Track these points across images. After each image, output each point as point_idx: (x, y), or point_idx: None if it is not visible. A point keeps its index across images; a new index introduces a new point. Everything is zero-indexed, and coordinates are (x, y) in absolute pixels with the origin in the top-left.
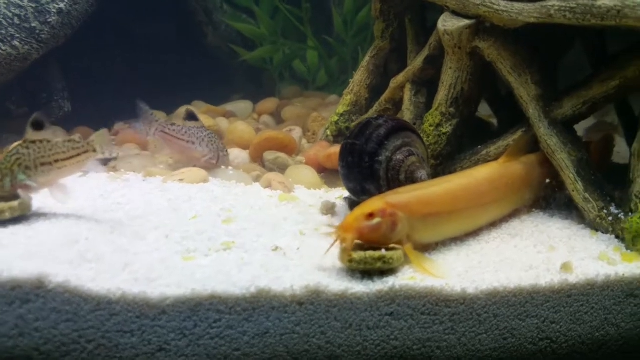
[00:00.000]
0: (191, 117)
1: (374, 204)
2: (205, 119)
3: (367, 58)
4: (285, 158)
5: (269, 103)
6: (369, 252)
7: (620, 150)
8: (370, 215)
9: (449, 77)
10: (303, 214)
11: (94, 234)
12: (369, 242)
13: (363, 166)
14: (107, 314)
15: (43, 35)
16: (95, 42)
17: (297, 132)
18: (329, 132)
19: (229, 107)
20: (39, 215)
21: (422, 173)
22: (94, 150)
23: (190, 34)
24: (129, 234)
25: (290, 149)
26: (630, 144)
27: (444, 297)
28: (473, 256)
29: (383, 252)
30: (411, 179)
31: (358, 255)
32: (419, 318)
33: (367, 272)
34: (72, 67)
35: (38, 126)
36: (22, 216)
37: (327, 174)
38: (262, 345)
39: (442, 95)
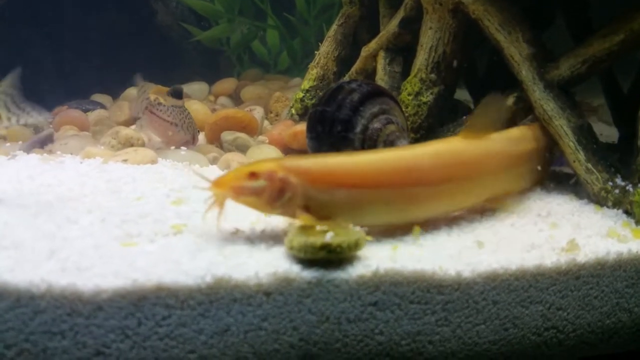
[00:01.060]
0: (176, 94)
1: (264, 164)
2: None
3: (334, 27)
4: (245, 138)
5: (227, 83)
6: (311, 239)
7: (604, 133)
8: (253, 175)
9: (429, 39)
10: None
11: (14, 218)
12: (247, 205)
13: (335, 136)
14: (30, 312)
15: None
16: (31, 19)
17: (258, 112)
18: (293, 111)
19: (184, 88)
20: None
21: (403, 143)
22: None
23: (139, 12)
24: (58, 218)
25: (250, 128)
26: (618, 124)
27: (436, 282)
28: (465, 236)
29: (327, 239)
30: None
31: (297, 241)
32: (408, 308)
33: (310, 262)
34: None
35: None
36: None
37: (293, 154)
38: (223, 346)
39: (421, 59)
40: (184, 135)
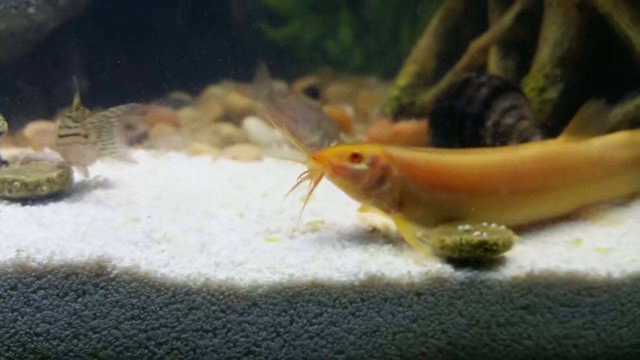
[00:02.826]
0: (312, 92)
1: (369, 147)
2: (238, 99)
3: (434, 21)
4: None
5: (308, 82)
6: (465, 236)
7: None
8: (356, 157)
9: (554, 33)
10: None
11: (156, 212)
12: (340, 187)
13: (465, 133)
14: (184, 308)
15: (61, 2)
16: (112, 19)
17: (348, 111)
18: (387, 110)
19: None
20: (81, 190)
21: (537, 140)
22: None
23: (214, 9)
24: (197, 212)
25: (347, 127)
26: None
27: (587, 283)
28: (608, 238)
29: (484, 236)
30: None
31: (451, 240)
32: (558, 311)
33: (461, 262)
34: (86, 45)
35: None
36: (62, 191)
37: None
38: (371, 347)
39: (545, 54)
40: (305, 133)
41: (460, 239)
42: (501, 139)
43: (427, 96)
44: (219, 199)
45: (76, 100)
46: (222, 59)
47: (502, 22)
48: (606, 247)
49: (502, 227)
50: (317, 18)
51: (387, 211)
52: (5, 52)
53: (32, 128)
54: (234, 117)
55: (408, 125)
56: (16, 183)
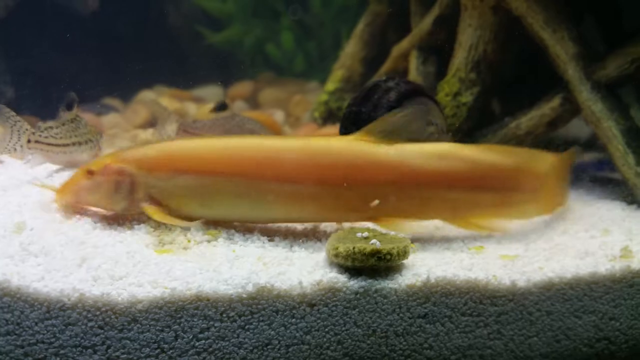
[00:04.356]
0: (221, 107)
1: (101, 160)
2: (170, 103)
3: (360, 26)
4: None
5: (243, 87)
6: (359, 245)
7: None
8: (90, 173)
9: (469, 37)
10: None
11: (39, 223)
12: (92, 206)
13: None
14: (60, 324)
15: None
16: (40, 21)
17: (278, 116)
18: (317, 114)
19: (198, 92)
20: None
21: None
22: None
23: (150, 14)
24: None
25: (273, 132)
26: None
27: (489, 292)
28: (516, 244)
29: (378, 245)
30: None
31: (344, 248)
32: (459, 320)
33: (355, 271)
34: (13, 49)
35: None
36: None
37: None
38: None
39: (460, 58)
40: None
41: (353, 248)
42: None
43: None
44: None
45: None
46: (156, 63)
47: (421, 26)
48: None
49: (402, 235)
50: (257, 22)
51: (142, 210)
52: None
53: None
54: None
55: (331, 130)
56: None
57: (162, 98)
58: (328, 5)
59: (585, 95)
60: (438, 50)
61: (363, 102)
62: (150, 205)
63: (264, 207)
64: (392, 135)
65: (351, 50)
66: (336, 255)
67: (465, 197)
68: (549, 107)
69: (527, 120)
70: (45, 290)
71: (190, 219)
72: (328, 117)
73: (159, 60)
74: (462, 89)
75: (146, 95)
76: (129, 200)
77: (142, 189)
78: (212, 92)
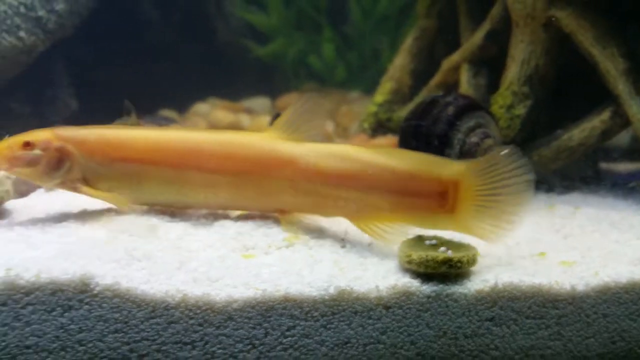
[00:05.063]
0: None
1: (39, 133)
2: (224, 115)
3: (409, 40)
4: None
5: (291, 98)
6: (431, 253)
7: None
8: (28, 145)
9: (521, 52)
10: None
11: (136, 229)
12: (24, 177)
13: (431, 151)
14: (163, 322)
15: (50, 25)
16: (100, 36)
17: (329, 127)
18: (366, 125)
19: (247, 103)
20: (66, 212)
21: None
22: None
23: (200, 29)
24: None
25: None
26: None
27: (551, 296)
28: (573, 252)
29: (450, 254)
30: None
31: (417, 255)
32: (523, 322)
33: (427, 276)
34: (76, 64)
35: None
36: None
37: None
38: (343, 358)
39: (512, 72)
40: None
41: (426, 256)
42: (466, 156)
43: (403, 112)
44: (197, 215)
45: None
46: (208, 77)
47: (472, 40)
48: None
49: (468, 243)
50: (300, 35)
51: (76, 190)
52: None
53: None
54: None
55: (383, 141)
56: None
57: (216, 110)
58: (369, 16)
59: (635, 109)
60: (489, 64)
61: (422, 116)
62: (85, 186)
63: (184, 193)
64: (295, 131)
65: (400, 63)
66: (409, 262)
67: (359, 197)
68: (599, 120)
69: (579, 132)
70: (151, 291)
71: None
72: (377, 127)
73: (210, 73)
74: (515, 102)
75: (200, 107)
76: (63, 179)
77: (79, 170)
78: (260, 104)
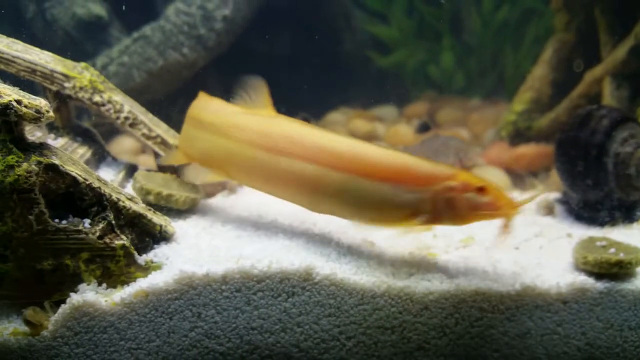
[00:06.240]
0: (424, 128)
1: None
2: (362, 124)
3: (548, 52)
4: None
5: (419, 107)
6: (605, 256)
7: None
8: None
9: None
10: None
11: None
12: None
13: (589, 160)
14: (370, 309)
15: (210, 43)
16: (243, 50)
17: (464, 134)
18: (503, 133)
19: (376, 112)
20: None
21: None
22: None
23: (328, 42)
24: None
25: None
26: None
27: None
28: None
29: (622, 256)
30: None
31: (593, 257)
32: None
33: (599, 275)
34: (227, 76)
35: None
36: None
37: (512, 176)
38: (522, 347)
39: None
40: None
41: (601, 257)
42: (621, 165)
43: (544, 121)
44: None
45: None
46: (334, 86)
47: (615, 55)
48: None
49: (635, 245)
50: (421, 45)
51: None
52: (161, 86)
53: None
54: None
55: (529, 149)
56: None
57: (353, 119)
58: (488, 24)
59: None
60: (631, 77)
61: (580, 128)
62: None
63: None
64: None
65: (539, 73)
66: (585, 263)
67: None
68: None
69: None
70: (361, 282)
71: None
72: (515, 135)
73: (336, 83)
74: None
75: (334, 116)
76: None
77: None
78: (388, 112)
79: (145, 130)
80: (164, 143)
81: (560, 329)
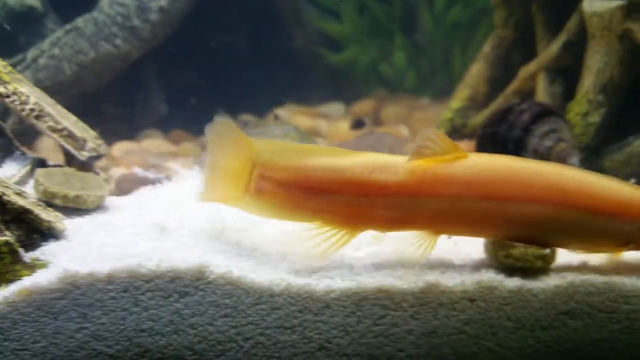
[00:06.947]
0: (359, 124)
1: None
2: (304, 121)
3: (486, 48)
4: None
5: (365, 104)
6: (530, 249)
7: None
8: None
9: (596, 62)
10: None
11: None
12: None
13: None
14: (268, 308)
15: (144, 34)
16: (187, 45)
17: (404, 131)
18: (441, 130)
19: (322, 108)
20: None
21: (574, 160)
22: None
23: (276, 37)
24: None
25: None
26: None
27: (623, 292)
28: None
29: (546, 250)
30: None
31: (519, 251)
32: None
33: (509, 272)
34: (166, 70)
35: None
36: None
37: None
38: (428, 346)
39: (588, 81)
40: None
41: (527, 251)
42: (540, 159)
43: (479, 118)
44: None
45: None
46: (284, 82)
47: (549, 50)
48: None
49: None
50: (372, 43)
51: None
52: (93, 79)
53: (119, 148)
54: None
55: (462, 146)
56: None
57: (295, 115)
58: (440, 24)
59: None
60: (564, 72)
61: (499, 123)
62: None
63: None
64: None
65: (476, 71)
66: (506, 256)
67: None
68: None
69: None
70: (259, 280)
71: None
72: (452, 132)
73: (286, 79)
74: (590, 110)
75: (279, 112)
76: None
77: None
78: (335, 109)
79: (51, 123)
80: (70, 136)
81: (468, 328)
